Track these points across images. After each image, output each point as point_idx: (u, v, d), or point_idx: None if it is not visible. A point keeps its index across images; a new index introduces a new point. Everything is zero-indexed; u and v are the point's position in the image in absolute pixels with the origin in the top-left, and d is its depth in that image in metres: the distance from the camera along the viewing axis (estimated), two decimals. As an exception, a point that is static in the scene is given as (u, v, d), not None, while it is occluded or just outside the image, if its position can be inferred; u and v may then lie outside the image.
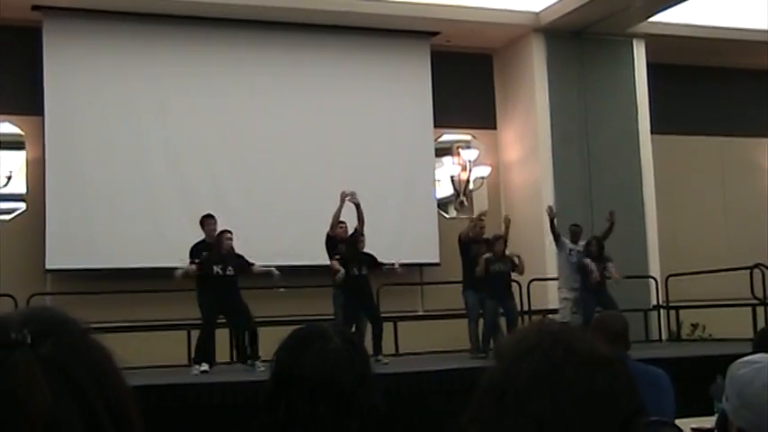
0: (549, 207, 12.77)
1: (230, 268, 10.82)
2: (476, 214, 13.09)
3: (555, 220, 12.52)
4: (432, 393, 8.92)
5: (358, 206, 11.48)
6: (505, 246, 12.16)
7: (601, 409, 1.08)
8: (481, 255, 11.94)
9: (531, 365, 1.11)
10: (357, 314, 11.28)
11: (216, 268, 10.73)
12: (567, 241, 12.72)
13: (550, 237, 14.31)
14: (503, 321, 11.96)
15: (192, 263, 10.84)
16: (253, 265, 11.13)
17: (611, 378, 1.10)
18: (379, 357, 11.04)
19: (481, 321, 11.97)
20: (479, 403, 1.14)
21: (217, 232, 11.05)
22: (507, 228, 12.32)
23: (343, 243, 11.53)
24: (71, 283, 13.17)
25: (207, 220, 11.23)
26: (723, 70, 16.86)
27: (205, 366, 10.43)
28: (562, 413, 1.07)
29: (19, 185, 13.73)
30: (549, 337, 1.14)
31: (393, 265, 11.79)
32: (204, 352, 10.71)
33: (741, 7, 15.24)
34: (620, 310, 10.91)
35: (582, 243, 12.64)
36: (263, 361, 9.99)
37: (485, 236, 12.29)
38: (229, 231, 11.03)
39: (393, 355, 12.10)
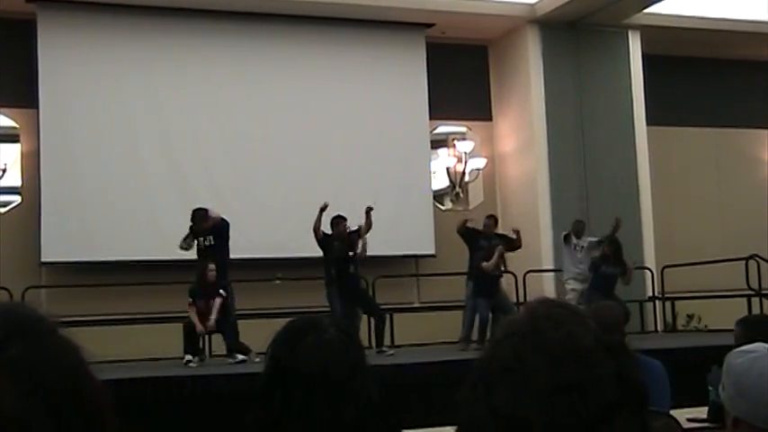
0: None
1: (212, 302, 10.82)
2: (464, 216, 13.03)
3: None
4: (428, 385, 8.92)
5: (369, 213, 11.46)
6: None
7: (569, 403, 1.05)
8: (495, 249, 11.95)
9: (500, 355, 1.09)
10: (350, 312, 11.27)
11: (199, 303, 10.75)
12: (573, 238, 12.74)
13: (546, 228, 14.37)
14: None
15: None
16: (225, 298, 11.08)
17: (585, 371, 1.07)
18: (384, 348, 11.12)
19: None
20: (462, 390, 1.13)
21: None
22: (519, 237, 12.36)
23: (340, 241, 11.49)
24: (66, 276, 13.18)
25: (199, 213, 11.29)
26: (719, 61, 16.86)
27: (189, 358, 10.47)
28: (523, 406, 1.05)
29: (14, 178, 13.70)
30: (527, 325, 1.12)
31: (369, 209, 11.68)
32: (189, 343, 10.75)
33: (736, -2, 15.24)
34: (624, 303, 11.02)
35: (586, 239, 12.63)
36: (258, 353, 9.99)
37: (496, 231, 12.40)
38: (213, 263, 10.99)
39: (389, 347, 12.11)
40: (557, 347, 1.08)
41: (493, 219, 12.64)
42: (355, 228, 11.67)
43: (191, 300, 10.75)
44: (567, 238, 12.77)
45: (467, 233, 12.29)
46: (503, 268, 12.34)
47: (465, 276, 12.30)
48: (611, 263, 12.29)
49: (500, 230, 12.72)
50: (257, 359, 9.85)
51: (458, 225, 12.40)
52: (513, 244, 12.33)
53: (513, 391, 1.06)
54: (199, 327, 10.62)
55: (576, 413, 1.04)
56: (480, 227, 12.40)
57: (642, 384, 1.11)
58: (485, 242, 12.20)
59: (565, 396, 1.05)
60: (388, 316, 12.65)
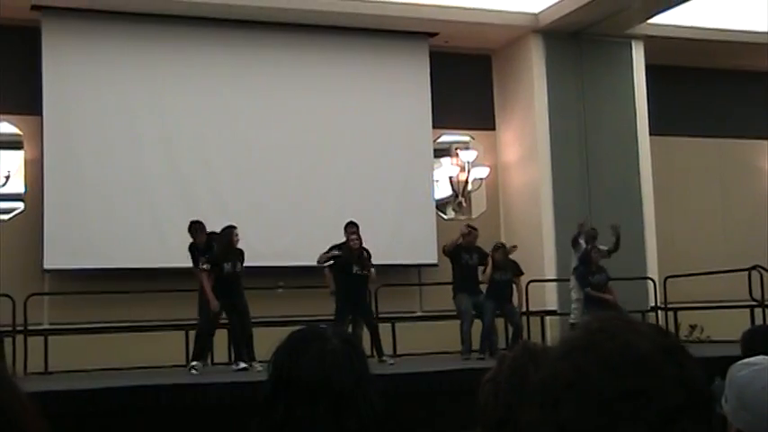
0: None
1: (239, 265, 10.86)
2: (465, 225, 12.97)
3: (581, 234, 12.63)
4: (430, 394, 8.92)
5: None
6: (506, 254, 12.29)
7: (633, 410, 1.06)
8: (472, 263, 12.04)
9: (562, 373, 1.11)
10: (348, 314, 11.27)
11: (226, 266, 10.75)
12: (582, 243, 12.68)
13: (549, 238, 14.36)
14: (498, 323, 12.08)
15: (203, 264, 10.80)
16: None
17: (646, 377, 1.08)
18: (384, 358, 11.12)
19: (476, 323, 12.04)
20: (524, 412, 1.15)
21: (223, 228, 11.12)
22: (509, 252, 12.38)
23: (349, 250, 11.55)
24: (69, 283, 13.17)
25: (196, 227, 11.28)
26: (721, 72, 16.87)
27: (199, 364, 10.47)
28: (589, 419, 1.06)
29: (17, 185, 13.72)
30: (584, 340, 1.14)
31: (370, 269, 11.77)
32: (201, 350, 10.75)
33: (739, 9, 15.26)
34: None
35: (596, 247, 12.58)
36: (260, 362, 9.99)
37: (477, 245, 12.36)
38: (235, 227, 11.08)
39: (391, 356, 12.11)
40: (615, 357, 1.09)
41: (474, 230, 12.50)
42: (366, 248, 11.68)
43: (207, 266, 10.69)
44: (575, 242, 12.69)
45: (453, 251, 12.24)
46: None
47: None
48: (594, 271, 12.28)
49: (503, 239, 12.72)
50: (259, 367, 9.86)
51: (448, 246, 12.32)
52: (483, 262, 12.31)
53: (578, 405, 1.07)
54: (213, 302, 10.57)
55: (641, 419, 1.06)
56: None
57: (705, 386, 1.12)
58: (466, 255, 12.18)
59: (628, 404, 1.06)
60: (390, 325, 12.69)
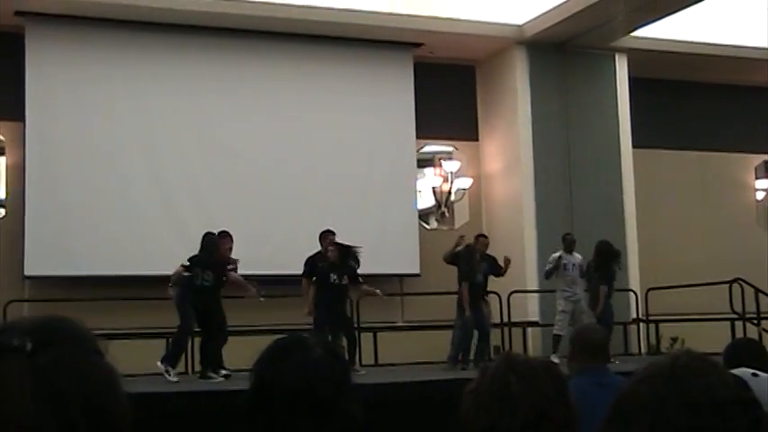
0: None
1: (217, 277, 10.78)
2: (458, 236, 12.92)
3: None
4: (411, 404, 8.90)
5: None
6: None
7: None
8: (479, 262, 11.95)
9: (640, 395, 1.16)
10: (327, 322, 11.13)
11: (202, 272, 10.68)
12: (559, 254, 12.64)
13: (531, 249, 14.36)
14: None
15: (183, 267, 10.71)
16: (233, 269, 11.05)
17: (721, 421, 1.11)
18: (356, 368, 11.04)
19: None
20: (602, 425, 1.19)
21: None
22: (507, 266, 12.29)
23: (326, 255, 11.45)
24: (50, 290, 13.09)
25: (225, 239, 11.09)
26: (704, 85, 16.97)
27: (175, 379, 10.42)
28: None
29: (-2, 191, 13.65)
30: (668, 370, 1.18)
31: (375, 291, 11.70)
32: (177, 355, 10.71)
33: (722, 23, 15.36)
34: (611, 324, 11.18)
35: (576, 256, 12.52)
36: (238, 370, 9.96)
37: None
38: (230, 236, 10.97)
39: (372, 366, 12.09)
40: (695, 394, 1.14)
41: (485, 239, 12.47)
42: (352, 246, 11.55)
43: (187, 263, 10.55)
44: (557, 261, 12.64)
45: (458, 257, 12.16)
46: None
47: (450, 296, 12.18)
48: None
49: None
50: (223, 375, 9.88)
51: (446, 254, 12.21)
52: (498, 271, 12.25)
53: (650, 427, 1.10)
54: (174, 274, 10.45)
55: None
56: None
57: None
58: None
59: None
60: (372, 335, 12.64)
